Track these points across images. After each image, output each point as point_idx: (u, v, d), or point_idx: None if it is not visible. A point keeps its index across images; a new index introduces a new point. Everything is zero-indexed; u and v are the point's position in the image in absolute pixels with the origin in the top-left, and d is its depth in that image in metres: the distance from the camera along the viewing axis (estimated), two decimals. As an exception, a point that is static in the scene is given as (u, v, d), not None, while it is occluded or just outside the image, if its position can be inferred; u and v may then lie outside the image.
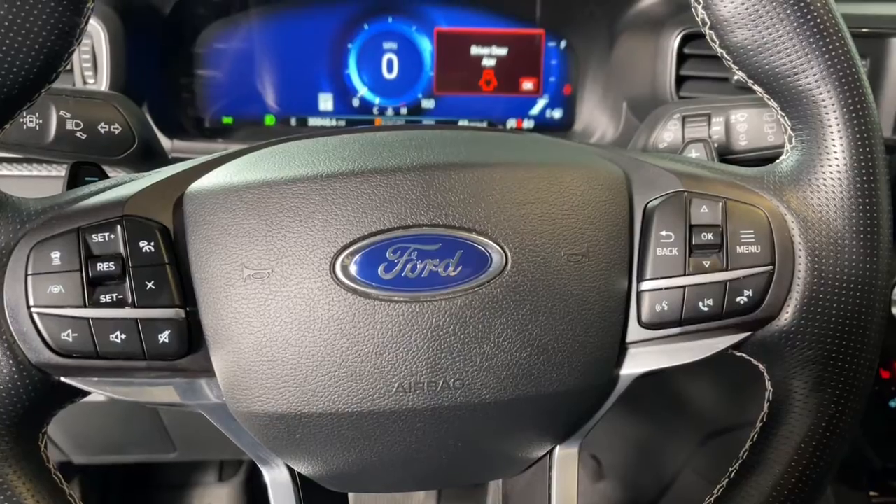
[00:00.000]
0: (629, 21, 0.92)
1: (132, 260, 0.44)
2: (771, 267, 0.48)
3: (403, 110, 0.99)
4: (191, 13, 0.92)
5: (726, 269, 0.48)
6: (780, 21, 0.47)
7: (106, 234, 0.44)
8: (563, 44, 0.99)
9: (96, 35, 0.79)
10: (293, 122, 0.98)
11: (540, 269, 0.46)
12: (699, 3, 0.49)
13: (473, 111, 1.00)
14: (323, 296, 0.44)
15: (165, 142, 0.87)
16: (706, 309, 0.48)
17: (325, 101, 0.98)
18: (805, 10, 0.46)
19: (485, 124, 1.01)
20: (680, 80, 0.84)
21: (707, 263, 0.48)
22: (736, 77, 0.82)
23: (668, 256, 0.48)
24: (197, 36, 0.93)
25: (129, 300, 0.44)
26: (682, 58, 0.84)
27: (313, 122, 0.98)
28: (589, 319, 0.47)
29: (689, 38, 0.83)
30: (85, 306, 0.43)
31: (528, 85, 1.00)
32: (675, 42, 0.82)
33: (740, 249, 0.48)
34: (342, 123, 0.99)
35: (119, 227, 0.44)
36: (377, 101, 0.99)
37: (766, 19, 0.47)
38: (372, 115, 0.99)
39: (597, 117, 0.98)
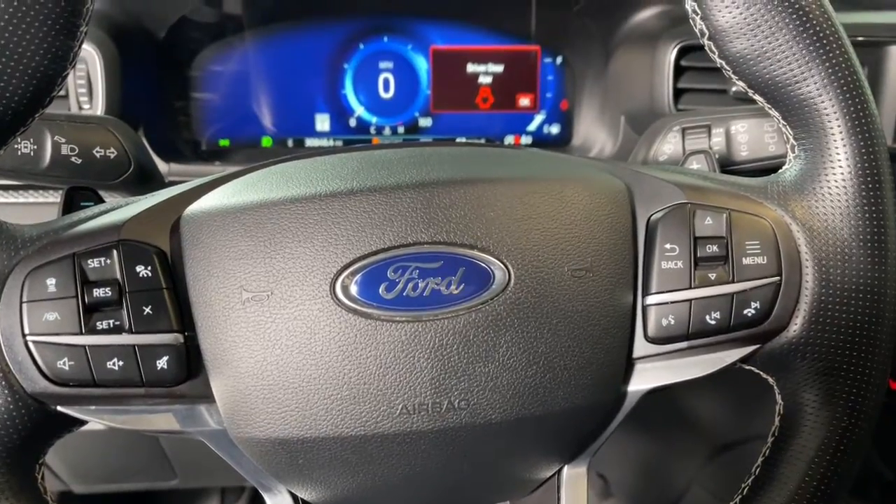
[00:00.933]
0: (624, 35, 0.92)
1: (129, 285, 0.43)
2: (778, 278, 0.47)
3: (401, 129, 0.99)
4: (186, 36, 0.92)
5: (733, 282, 0.47)
6: (779, 30, 0.46)
7: (102, 259, 0.43)
8: (559, 59, 0.99)
9: (91, 60, 0.79)
10: (290, 143, 0.98)
11: (543, 285, 0.45)
12: (697, 14, 0.48)
13: (471, 129, 1.00)
14: (323, 317, 0.43)
15: (162, 165, 0.87)
16: (713, 322, 0.47)
17: (322, 122, 0.98)
18: (804, 19, 0.46)
19: (482, 142, 1.00)
20: (678, 93, 0.84)
21: (713, 276, 0.47)
22: (734, 88, 0.82)
23: (673, 269, 0.47)
24: (192, 59, 0.93)
25: (127, 326, 0.43)
26: (679, 70, 0.84)
27: (310, 142, 0.98)
28: (594, 335, 0.46)
29: (686, 51, 0.83)
30: (81, 333, 0.42)
31: (524, 101, 1.00)
32: (672, 55, 0.82)
33: (746, 261, 0.47)
34: (339, 144, 0.98)
35: (115, 252, 0.43)
36: (374, 120, 0.98)
37: (765, 28, 0.46)
38: (369, 134, 0.99)
39: (595, 132, 0.98)
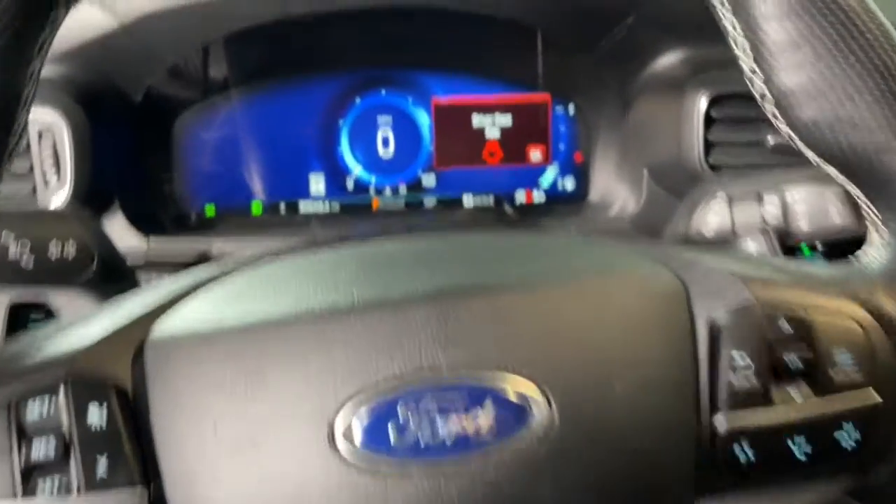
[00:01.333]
0: (643, 83, 0.84)
1: (79, 433, 0.35)
2: (875, 393, 0.39)
3: (402, 189, 0.91)
4: (165, 99, 0.84)
5: (819, 398, 0.38)
6: (857, 92, 0.39)
7: (45, 402, 0.35)
8: (571, 108, 0.92)
9: (58, 129, 0.71)
10: (282, 208, 0.90)
11: (590, 412, 0.36)
12: (757, 74, 0.41)
13: (478, 185, 0.92)
14: (320, 472, 0.35)
15: (140, 241, 0.78)
16: (797, 450, 0.38)
17: (317, 183, 0.90)
18: (887, 76, 0.38)
19: (491, 199, 0.92)
20: (708, 146, 0.76)
21: (794, 393, 0.38)
22: (773, 139, 0.74)
23: (745, 385, 0.39)
24: (173, 121, 0.86)
25: (76, 485, 0.34)
26: (708, 120, 0.76)
27: (304, 206, 0.90)
28: (654, 468, 0.38)
29: (716, 101, 0.75)
30: (17, 499, 0.34)
31: (535, 153, 0.92)
32: (702, 104, 0.74)
33: (834, 374, 0.39)
34: (335, 207, 0.90)
35: (62, 391, 0.35)
36: (373, 180, 0.91)
37: (840, 90, 0.39)
38: (368, 195, 0.91)
39: (614, 187, 0.90)
